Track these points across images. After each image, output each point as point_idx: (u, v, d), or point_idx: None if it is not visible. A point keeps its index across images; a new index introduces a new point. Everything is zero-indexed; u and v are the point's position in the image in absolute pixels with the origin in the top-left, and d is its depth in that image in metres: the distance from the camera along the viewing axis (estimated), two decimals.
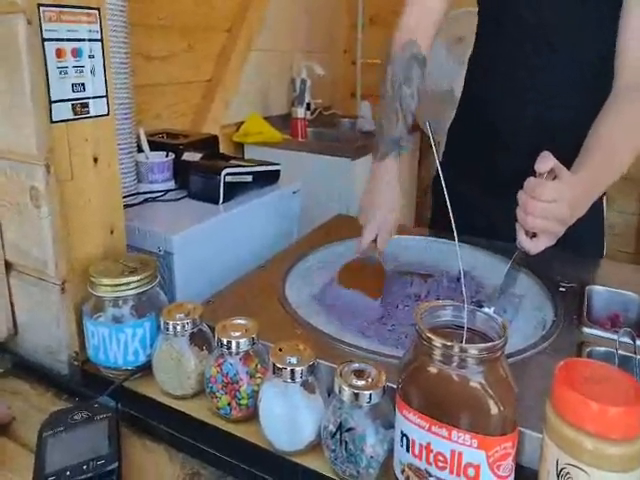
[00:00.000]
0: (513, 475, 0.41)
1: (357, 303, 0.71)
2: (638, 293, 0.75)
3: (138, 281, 0.59)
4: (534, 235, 0.64)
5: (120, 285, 0.58)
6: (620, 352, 0.58)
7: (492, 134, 0.92)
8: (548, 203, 0.61)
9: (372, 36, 2.69)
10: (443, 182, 0.62)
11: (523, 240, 0.64)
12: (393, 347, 0.61)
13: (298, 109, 2.00)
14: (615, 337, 0.60)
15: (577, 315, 0.68)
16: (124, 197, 0.96)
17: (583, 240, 0.82)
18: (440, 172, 0.52)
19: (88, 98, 0.62)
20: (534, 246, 0.64)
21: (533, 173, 0.63)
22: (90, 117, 0.63)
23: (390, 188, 0.79)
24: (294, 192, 1.21)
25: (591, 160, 0.69)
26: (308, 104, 2.12)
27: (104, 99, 0.66)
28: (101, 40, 0.64)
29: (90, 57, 0.62)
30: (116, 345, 0.57)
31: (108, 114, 0.67)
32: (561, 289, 0.75)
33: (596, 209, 0.91)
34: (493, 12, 0.91)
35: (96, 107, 0.64)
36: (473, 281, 0.78)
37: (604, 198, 0.96)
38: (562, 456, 0.38)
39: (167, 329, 0.55)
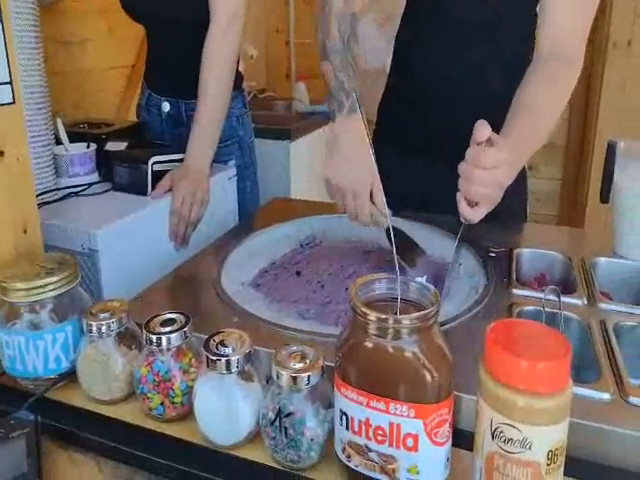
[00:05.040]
0: (450, 440, 0.41)
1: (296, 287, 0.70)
2: (561, 252, 0.78)
3: (56, 282, 0.54)
4: (475, 204, 0.65)
5: (36, 288, 0.53)
6: (547, 309, 0.61)
7: (422, 99, 0.93)
8: (491, 170, 0.62)
9: (305, 15, 2.64)
10: (373, 155, 0.62)
11: (465, 210, 0.65)
12: (333, 326, 0.61)
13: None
14: (542, 296, 0.62)
15: (507, 278, 0.71)
16: (41, 194, 0.90)
17: (510, 206, 0.85)
18: (370, 144, 0.51)
19: None
20: (476, 214, 0.65)
21: (464, 136, 0.64)
22: None
23: (364, 145, 0.70)
24: (229, 178, 1.17)
25: (518, 125, 0.71)
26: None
27: (8, 86, 0.60)
28: (0, 21, 0.58)
29: None
30: (34, 353, 0.52)
31: (14, 102, 0.61)
32: (491, 254, 0.77)
33: (521, 175, 0.95)
34: None
35: None
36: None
37: (526, 164, 1.00)
38: (496, 416, 0.39)
39: (90, 331, 0.51)
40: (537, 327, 0.42)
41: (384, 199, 0.70)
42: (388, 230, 0.70)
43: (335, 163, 0.73)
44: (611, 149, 0.78)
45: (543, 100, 0.75)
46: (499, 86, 0.81)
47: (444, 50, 0.89)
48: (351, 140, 0.71)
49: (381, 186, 0.71)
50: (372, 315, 0.40)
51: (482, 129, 0.62)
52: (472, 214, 0.65)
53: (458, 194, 0.65)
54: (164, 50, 1.21)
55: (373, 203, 0.72)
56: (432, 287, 0.43)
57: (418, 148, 0.95)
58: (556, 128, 2.32)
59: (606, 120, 2.02)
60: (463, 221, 0.67)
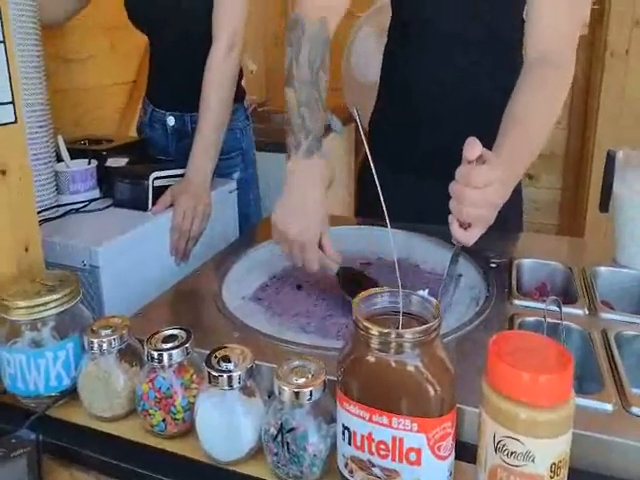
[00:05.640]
0: (453, 454, 0.41)
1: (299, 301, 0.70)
2: (562, 262, 0.78)
3: (58, 300, 0.54)
4: (468, 226, 0.62)
5: (37, 306, 0.53)
6: (548, 320, 0.60)
7: (413, 112, 0.92)
8: (483, 189, 0.59)
9: None
10: (373, 168, 0.62)
11: (457, 232, 0.62)
12: (334, 339, 0.61)
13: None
14: (543, 306, 0.62)
15: (508, 289, 0.71)
16: (42, 211, 0.90)
17: (505, 217, 0.85)
18: (370, 158, 0.51)
19: None
20: (469, 237, 0.62)
21: (455, 151, 0.62)
22: None
23: (317, 190, 0.68)
24: (230, 192, 1.18)
25: (511, 138, 0.69)
26: None
27: (10, 106, 0.61)
28: (3, 42, 0.59)
29: None
30: (36, 371, 0.52)
31: (16, 122, 0.62)
32: (492, 265, 0.77)
33: (516, 187, 0.95)
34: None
35: (1, 115, 0.59)
36: (411, 266, 0.79)
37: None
38: (499, 429, 0.39)
39: (92, 348, 0.51)
40: (538, 339, 0.42)
41: (332, 248, 0.67)
42: (338, 273, 0.69)
43: (284, 208, 0.69)
44: (610, 159, 0.78)
45: (534, 108, 0.72)
46: (490, 101, 0.80)
47: (434, 65, 0.89)
48: (303, 184, 0.68)
49: (328, 234, 0.68)
50: (374, 329, 0.40)
51: (472, 147, 0.58)
52: (465, 237, 0.61)
53: (450, 216, 0.62)
54: (169, 63, 1.23)
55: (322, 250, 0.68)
56: (434, 300, 0.43)
57: (410, 166, 0.94)
58: (555, 137, 2.33)
59: (605, 129, 2.03)
60: (456, 243, 0.64)
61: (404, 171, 0.95)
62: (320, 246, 0.68)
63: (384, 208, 0.49)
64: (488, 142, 0.65)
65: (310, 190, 0.67)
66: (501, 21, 0.86)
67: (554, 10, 0.76)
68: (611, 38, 1.95)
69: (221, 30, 1.06)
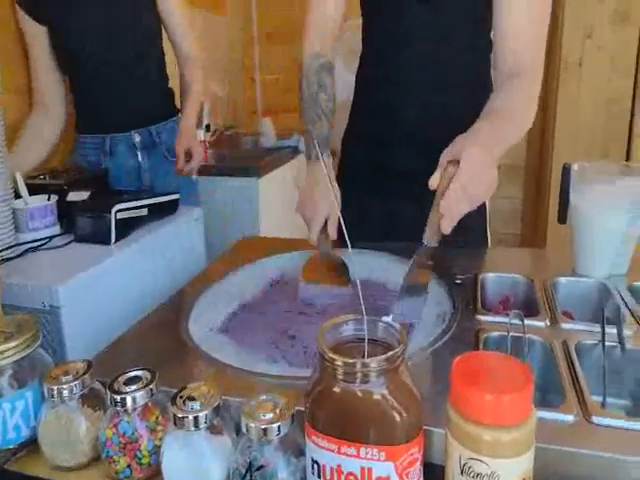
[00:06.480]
0: (422, 478, 0.41)
1: (265, 322, 0.70)
2: (523, 274, 0.81)
3: (15, 347, 0.53)
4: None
5: None
6: (512, 334, 0.62)
7: (384, 134, 0.96)
8: (463, 188, 0.65)
9: (270, 52, 2.71)
10: (335, 193, 0.64)
11: (446, 225, 0.66)
12: (303, 367, 0.61)
13: (197, 132, 1.94)
14: (507, 320, 0.63)
15: (472, 304, 0.72)
16: (0, 251, 0.87)
17: (471, 226, 0.87)
18: (332, 185, 0.53)
19: None
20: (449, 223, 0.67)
21: (427, 172, 0.68)
22: None
23: (325, 186, 0.83)
24: (196, 219, 1.17)
25: (489, 122, 0.75)
26: (207, 125, 2.08)
27: None
28: None
29: None
30: None
31: None
32: (457, 281, 0.79)
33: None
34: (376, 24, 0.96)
35: None
36: (375, 286, 0.80)
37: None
38: (464, 451, 0.39)
39: (52, 396, 0.50)
40: (498, 358, 0.43)
41: (334, 230, 0.82)
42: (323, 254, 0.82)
43: (302, 196, 0.87)
44: (566, 172, 0.81)
45: (511, 102, 0.79)
46: (461, 119, 0.83)
47: (407, 88, 0.92)
48: (314, 183, 0.85)
49: (336, 220, 0.82)
50: (339, 360, 0.40)
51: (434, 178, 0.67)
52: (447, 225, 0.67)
53: (432, 217, 0.67)
54: (115, 88, 1.31)
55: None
56: (397, 325, 0.44)
57: (377, 186, 0.98)
58: (516, 149, 2.41)
59: (562, 141, 2.08)
60: (425, 243, 0.68)
61: (373, 190, 0.98)
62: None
63: (344, 231, 0.51)
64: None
65: (316, 185, 0.84)
66: (471, 41, 0.91)
67: (522, 26, 0.81)
68: (565, 50, 2.01)
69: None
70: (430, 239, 0.68)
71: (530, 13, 0.81)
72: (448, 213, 0.65)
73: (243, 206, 1.78)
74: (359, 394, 0.40)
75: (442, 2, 0.88)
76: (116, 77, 1.30)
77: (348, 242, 0.50)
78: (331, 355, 0.40)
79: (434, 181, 0.68)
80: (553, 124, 2.11)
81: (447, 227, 0.66)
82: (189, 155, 1.34)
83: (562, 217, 0.85)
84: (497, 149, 0.73)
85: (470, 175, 0.65)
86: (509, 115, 0.78)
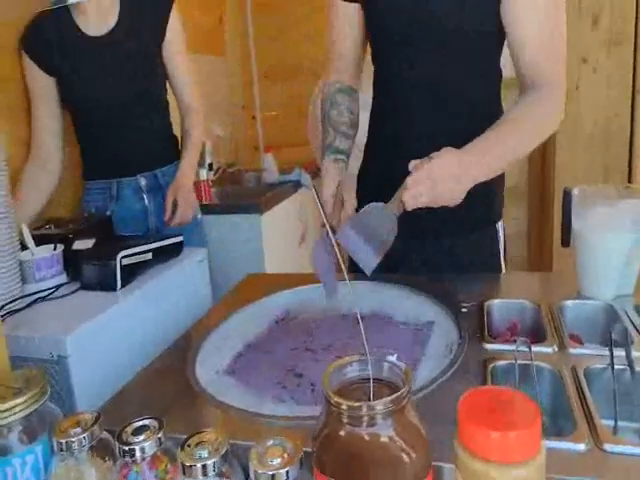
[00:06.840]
0: None
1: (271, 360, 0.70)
2: (529, 299, 0.81)
3: (24, 402, 0.53)
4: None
5: (2, 412, 0.52)
6: (519, 362, 0.62)
7: (397, 169, 0.96)
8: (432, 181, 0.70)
9: (268, 90, 2.80)
10: (332, 237, 0.66)
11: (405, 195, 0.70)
12: (311, 404, 0.60)
13: (200, 171, 1.97)
14: (514, 348, 0.63)
15: (479, 333, 0.72)
16: (7, 303, 0.89)
17: (478, 262, 0.87)
18: (328, 229, 0.55)
19: None
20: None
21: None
22: None
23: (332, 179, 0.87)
24: (200, 261, 1.18)
25: (491, 131, 0.78)
26: (210, 164, 2.11)
27: None
28: None
29: None
30: None
31: None
32: (463, 310, 0.78)
33: (490, 232, 0.99)
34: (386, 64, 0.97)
35: None
36: (380, 320, 0.80)
37: (499, 223, 1.01)
38: None
39: (61, 449, 0.50)
40: (505, 393, 0.42)
41: (351, 206, 0.85)
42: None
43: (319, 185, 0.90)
44: (567, 196, 0.82)
45: (525, 113, 0.82)
46: None
47: (422, 118, 0.93)
48: (325, 175, 0.89)
49: (353, 199, 0.86)
50: (344, 404, 0.39)
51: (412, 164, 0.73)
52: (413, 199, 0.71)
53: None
54: (123, 134, 1.35)
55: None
56: (402, 365, 0.43)
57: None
58: (518, 174, 2.42)
59: (562, 165, 2.08)
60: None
61: None
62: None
63: (343, 267, 0.52)
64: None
65: (325, 179, 0.88)
66: (480, 74, 0.93)
67: (540, 39, 0.84)
68: None
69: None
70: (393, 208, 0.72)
71: (545, 23, 0.84)
72: (411, 185, 0.70)
73: (247, 243, 1.79)
74: (366, 437, 0.40)
75: (454, 52, 0.88)
76: (123, 123, 1.33)
77: (344, 268, 0.50)
78: (336, 399, 0.40)
79: (412, 164, 0.72)
80: (553, 150, 2.12)
81: (408, 199, 0.70)
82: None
83: (565, 240, 0.85)
84: (493, 155, 0.78)
85: (440, 165, 0.71)
86: (518, 125, 0.80)
